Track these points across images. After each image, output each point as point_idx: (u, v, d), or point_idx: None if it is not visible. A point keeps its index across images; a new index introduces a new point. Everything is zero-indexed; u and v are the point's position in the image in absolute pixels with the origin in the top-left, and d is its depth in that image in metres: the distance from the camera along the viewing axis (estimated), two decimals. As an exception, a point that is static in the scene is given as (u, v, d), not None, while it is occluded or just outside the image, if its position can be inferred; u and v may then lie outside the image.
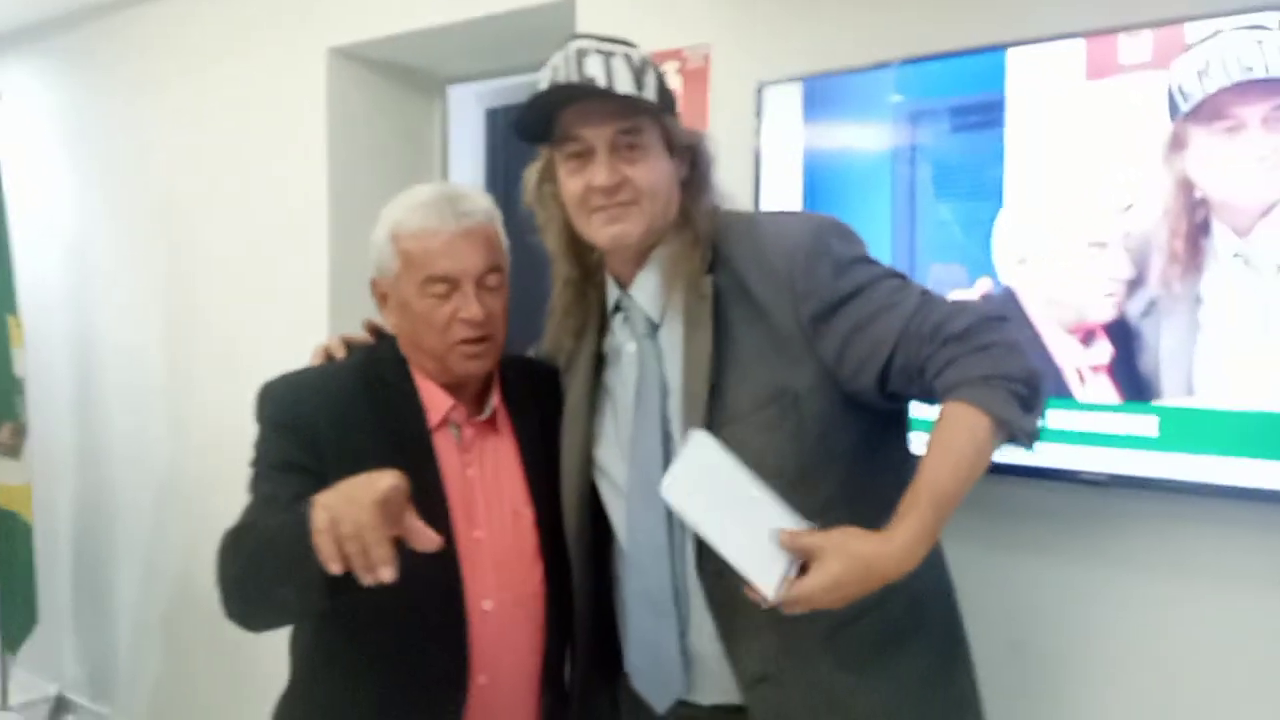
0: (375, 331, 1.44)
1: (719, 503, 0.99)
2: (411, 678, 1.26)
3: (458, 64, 2.79)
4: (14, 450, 3.18)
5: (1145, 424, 1.52)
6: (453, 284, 1.28)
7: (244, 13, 2.87)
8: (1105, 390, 1.54)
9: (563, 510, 1.33)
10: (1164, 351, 1.49)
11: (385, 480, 0.99)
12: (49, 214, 3.50)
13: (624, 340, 1.27)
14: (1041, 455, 1.56)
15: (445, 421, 1.35)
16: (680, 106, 2.07)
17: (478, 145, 2.99)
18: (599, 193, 1.16)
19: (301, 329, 2.69)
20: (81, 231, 3.42)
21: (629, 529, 1.25)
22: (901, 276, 1.18)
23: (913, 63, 1.74)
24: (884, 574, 0.93)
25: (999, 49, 1.65)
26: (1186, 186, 1.47)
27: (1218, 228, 1.45)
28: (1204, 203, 1.45)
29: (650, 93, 1.16)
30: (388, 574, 0.96)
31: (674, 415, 1.19)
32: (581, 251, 1.26)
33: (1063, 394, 1.58)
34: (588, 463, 1.31)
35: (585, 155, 1.17)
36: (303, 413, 1.28)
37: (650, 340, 1.23)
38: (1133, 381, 1.52)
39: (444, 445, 1.34)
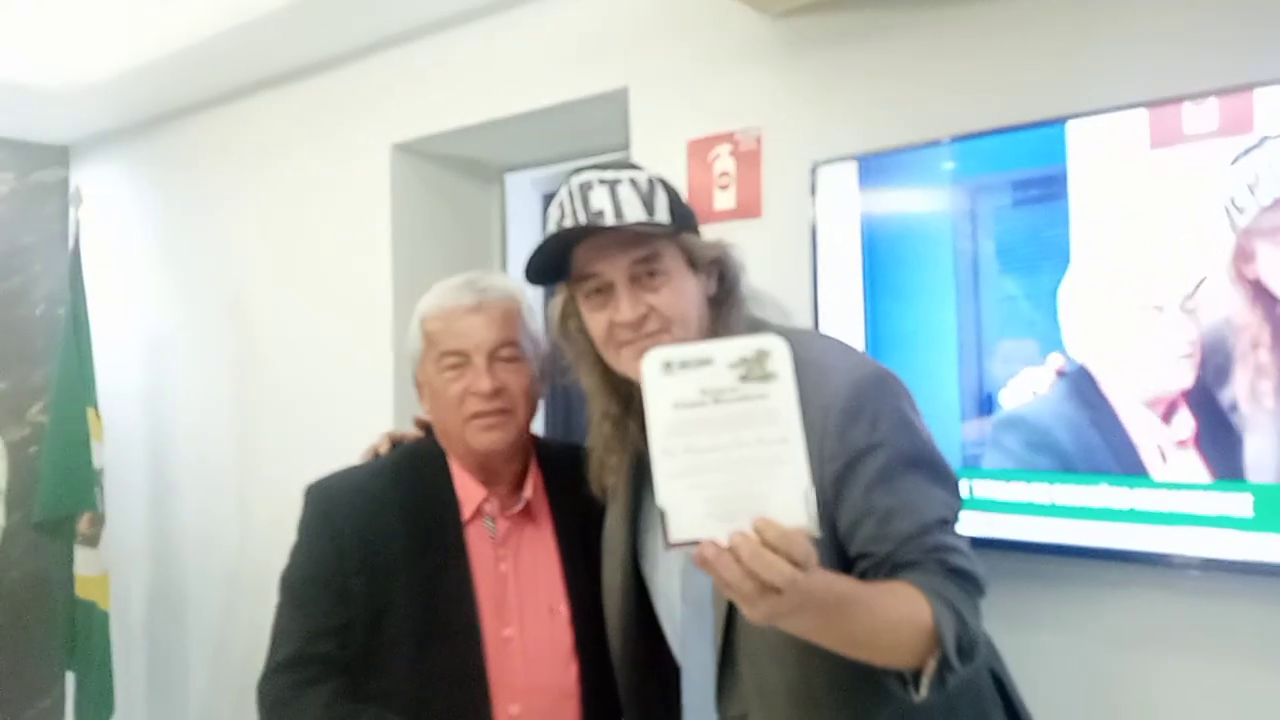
0: (424, 426, 1.45)
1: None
2: None
3: (515, 153, 2.83)
4: (92, 540, 3.24)
5: (1239, 503, 1.45)
6: (464, 358, 1.28)
7: (312, 113, 2.97)
8: (1193, 467, 1.49)
9: (607, 633, 1.28)
10: (1250, 436, 1.44)
11: None
12: (128, 310, 3.62)
13: None
14: (1127, 538, 1.54)
15: (479, 514, 1.34)
16: (734, 188, 2.13)
17: (535, 228, 3.01)
18: (624, 328, 1.12)
19: (367, 415, 2.72)
20: (158, 327, 3.52)
21: (685, 666, 1.20)
22: (938, 464, 1.08)
23: (971, 138, 1.72)
24: (776, 596, 0.82)
25: (1059, 122, 1.63)
26: (1263, 294, 1.42)
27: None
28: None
29: (662, 214, 1.13)
30: None
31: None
32: (618, 383, 1.21)
33: (1140, 471, 1.52)
34: (633, 581, 1.26)
35: (605, 290, 1.14)
36: (334, 518, 1.30)
37: None
38: (1223, 458, 1.46)
39: (477, 539, 1.33)
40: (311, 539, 1.31)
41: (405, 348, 1.38)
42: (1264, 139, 1.44)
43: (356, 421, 2.74)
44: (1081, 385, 1.59)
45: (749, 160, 2.07)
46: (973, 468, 1.69)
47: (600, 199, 1.12)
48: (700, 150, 2.15)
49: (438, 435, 1.37)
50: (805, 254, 1.92)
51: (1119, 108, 1.58)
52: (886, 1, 1.90)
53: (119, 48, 2.76)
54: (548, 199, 3.02)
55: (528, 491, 1.36)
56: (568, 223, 1.12)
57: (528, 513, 1.36)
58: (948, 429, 1.70)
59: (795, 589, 0.80)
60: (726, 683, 1.12)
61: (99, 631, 3.23)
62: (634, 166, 1.17)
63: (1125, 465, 1.54)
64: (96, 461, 3.22)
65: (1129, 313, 1.56)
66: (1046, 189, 1.64)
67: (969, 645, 0.96)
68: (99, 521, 3.23)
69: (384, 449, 1.43)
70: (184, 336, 3.40)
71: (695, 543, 0.81)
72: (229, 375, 3.22)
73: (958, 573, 1.01)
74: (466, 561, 1.31)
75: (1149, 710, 1.60)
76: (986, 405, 1.69)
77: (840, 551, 1.05)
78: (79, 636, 3.20)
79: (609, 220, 1.10)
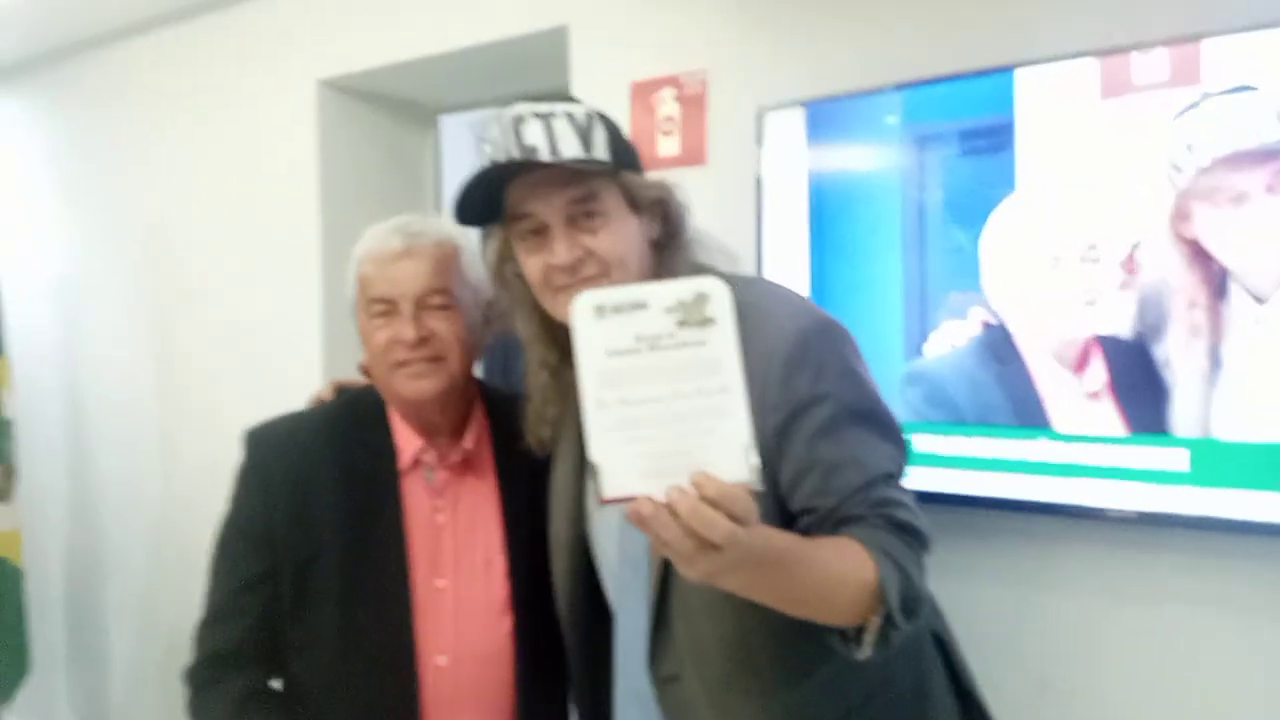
0: (368, 373, 1.42)
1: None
2: None
3: (449, 94, 2.77)
4: (4, 494, 3.12)
5: (1172, 458, 1.48)
6: (391, 305, 1.27)
7: (232, 46, 2.84)
8: (1107, 420, 1.51)
9: (554, 589, 1.28)
10: (1180, 392, 1.47)
11: None
12: (35, 251, 3.46)
13: None
14: (1035, 489, 1.58)
15: (418, 464, 1.33)
16: (679, 134, 2.10)
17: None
18: (561, 271, 1.09)
19: (296, 362, 2.65)
20: (70, 269, 3.37)
21: (618, 626, 1.19)
22: (883, 417, 1.07)
23: (919, 85, 1.71)
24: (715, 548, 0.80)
25: (1007, 70, 1.61)
26: (1200, 255, 1.44)
27: (1235, 293, 1.41)
28: (1220, 270, 1.42)
29: (601, 150, 1.09)
30: None
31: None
32: (557, 332, 1.17)
33: (1042, 424, 1.56)
34: (579, 536, 1.25)
35: (540, 232, 1.10)
36: (266, 466, 1.31)
37: None
38: (1143, 412, 1.49)
39: (413, 489, 1.32)
40: (244, 487, 1.32)
41: (346, 291, 1.37)
42: (1205, 96, 1.43)
43: (285, 368, 2.68)
44: (995, 340, 1.62)
45: (694, 104, 2.05)
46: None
47: (534, 134, 1.08)
48: (644, 93, 2.12)
49: (375, 382, 1.36)
50: (750, 204, 1.90)
51: (1069, 56, 1.57)
52: (837, -59, 1.88)
53: (20, -29, 2.62)
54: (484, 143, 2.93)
55: (468, 442, 1.35)
56: (499, 158, 1.09)
57: (468, 463, 1.35)
58: (892, 385, 1.71)
59: (735, 546, 0.78)
60: (660, 641, 1.11)
61: (11, 590, 3.11)
62: (572, 100, 1.13)
63: (1027, 418, 1.59)
64: (7, 412, 3.09)
65: (1053, 264, 1.57)
66: (994, 139, 1.63)
67: (913, 602, 0.96)
68: (10, 474, 3.12)
69: (328, 396, 1.42)
70: (99, 279, 3.26)
71: (630, 499, 0.79)
72: (148, 319, 3.11)
73: (903, 527, 1.00)
74: (399, 510, 1.30)
75: (1092, 664, 1.63)
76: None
77: (781, 507, 1.04)
78: (-10, 595, 3.11)
79: (543, 156, 1.07)
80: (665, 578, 1.10)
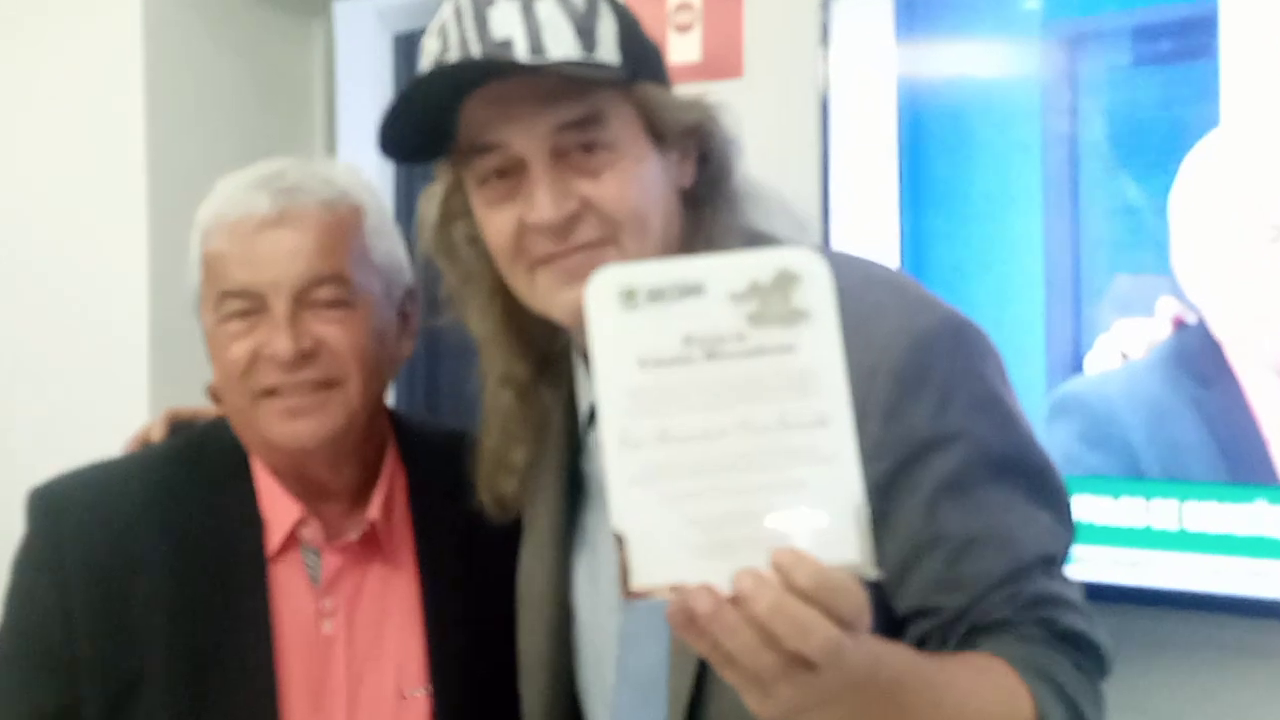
0: (219, 401, 1.44)
1: None
2: None
3: None
4: None
5: None
6: (255, 302, 1.27)
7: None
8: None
9: (522, 707, 1.28)
10: None
11: None
12: None
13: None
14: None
15: (293, 543, 1.34)
16: (700, 31, 2.12)
17: (382, 90, 2.93)
18: (543, 233, 1.08)
19: (108, 385, 2.63)
20: None
21: None
22: (1040, 470, 1.08)
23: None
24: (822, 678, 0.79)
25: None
26: None
27: None
28: None
29: (608, 49, 1.08)
30: None
31: None
32: (531, 330, 1.19)
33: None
34: (562, 654, 1.26)
35: (511, 173, 1.09)
36: (61, 548, 1.30)
37: None
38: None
39: (287, 584, 1.33)
40: (28, 578, 1.33)
41: (184, 277, 1.36)
42: None
43: (97, 389, 2.65)
44: (1193, 348, 1.61)
45: None
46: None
47: (507, 20, 1.06)
48: None
49: (229, 416, 1.37)
50: (810, 137, 1.89)
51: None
52: None
53: None
54: (403, 44, 2.92)
55: (374, 508, 1.35)
56: (452, 56, 1.07)
57: (373, 541, 1.36)
58: (1030, 416, 1.68)
59: (837, 664, 0.76)
60: None
61: None
62: None
63: (1242, 470, 1.60)
64: None
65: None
66: (1187, 39, 1.64)
67: None
68: None
69: (157, 435, 1.43)
70: None
71: (675, 589, 0.77)
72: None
73: (1070, 639, 1.00)
74: (265, 616, 1.30)
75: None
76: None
77: (881, 603, 1.01)
78: None
79: (520, 55, 1.05)
80: (692, 711, 1.09)
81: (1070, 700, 0.95)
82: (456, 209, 1.17)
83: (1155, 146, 1.67)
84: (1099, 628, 1.02)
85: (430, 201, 1.19)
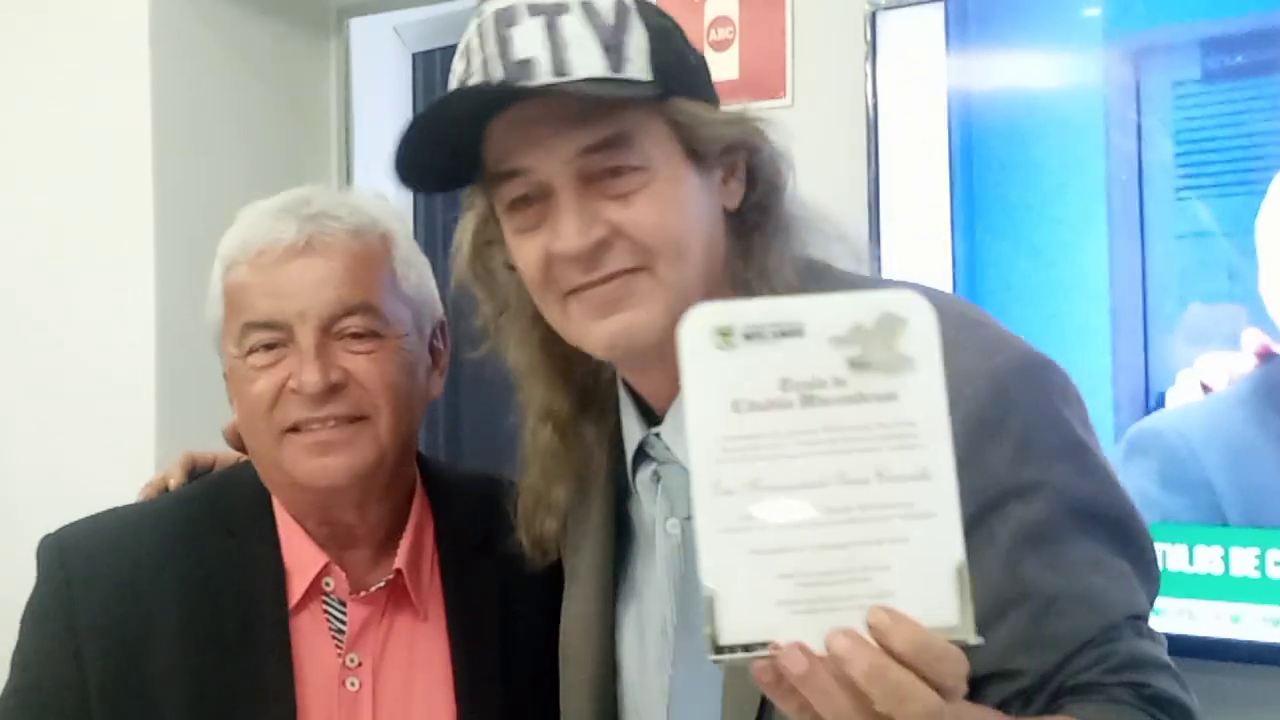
0: (238, 444, 1.42)
1: None
2: None
3: None
4: None
5: None
6: (282, 333, 1.27)
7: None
8: None
9: None
10: None
11: None
12: None
13: (659, 512, 1.21)
14: None
15: (315, 593, 1.32)
16: (738, 47, 2.16)
17: (399, 108, 2.95)
18: (571, 264, 1.07)
19: (117, 425, 2.61)
20: None
21: None
22: (1126, 521, 1.07)
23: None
24: None
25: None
26: None
27: None
28: None
29: (638, 64, 1.06)
30: None
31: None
32: (571, 361, 1.18)
33: None
34: (607, 698, 1.25)
35: (538, 199, 1.07)
36: (74, 600, 1.29)
37: None
38: None
39: (310, 636, 1.32)
40: (38, 638, 1.31)
41: (206, 311, 1.34)
42: None
43: (102, 428, 2.64)
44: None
45: (766, 1, 2.05)
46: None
47: (530, 39, 1.05)
48: None
49: (254, 460, 1.35)
50: (856, 157, 1.90)
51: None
52: None
53: None
54: (423, 61, 2.97)
55: (400, 556, 1.33)
56: (474, 79, 1.07)
57: (400, 591, 1.34)
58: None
59: None
60: None
61: None
62: None
63: None
64: None
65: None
66: (1262, 51, 1.63)
67: None
68: None
69: (175, 481, 1.41)
70: None
71: (765, 648, 0.76)
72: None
73: (1160, 704, 0.99)
74: (290, 679, 1.28)
75: None
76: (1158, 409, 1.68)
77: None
78: None
79: (542, 76, 1.04)
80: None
81: None
82: (492, 235, 1.16)
83: (1232, 165, 1.66)
84: (1188, 689, 1.01)
85: (465, 228, 1.19)
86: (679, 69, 1.09)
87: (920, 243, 1.84)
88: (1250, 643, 1.60)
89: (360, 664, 1.31)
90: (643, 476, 1.21)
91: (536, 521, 1.25)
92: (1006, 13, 1.80)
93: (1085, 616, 0.99)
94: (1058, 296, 1.76)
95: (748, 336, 0.79)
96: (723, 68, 2.07)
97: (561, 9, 1.06)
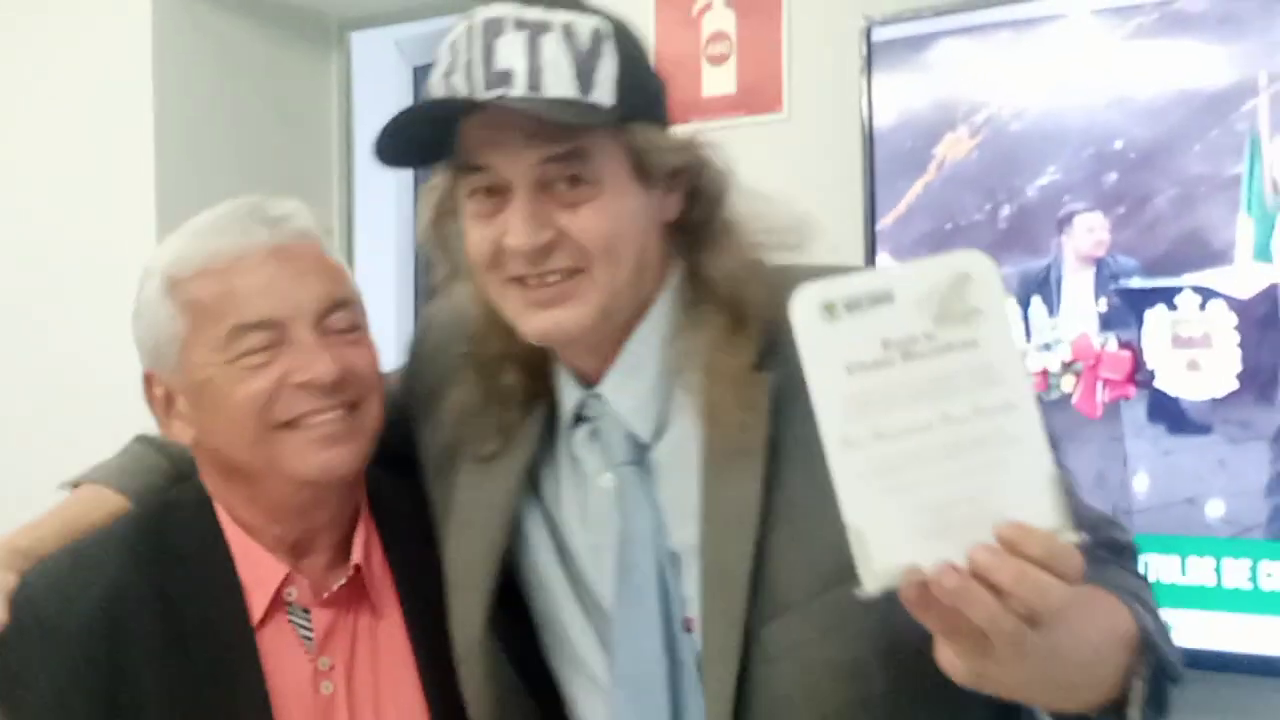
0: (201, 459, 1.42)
1: None
2: None
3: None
4: None
5: None
6: (277, 331, 1.27)
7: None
8: None
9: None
10: None
11: None
12: None
13: (594, 467, 1.28)
14: None
15: (279, 604, 1.32)
16: (735, 62, 2.13)
17: None
18: (518, 257, 1.16)
19: (112, 429, 2.61)
20: None
21: None
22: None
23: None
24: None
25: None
26: None
27: None
28: None
29: (604, 89, 1.15)
30: None
31: (687, 594, 1.22)
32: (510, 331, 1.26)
33: None
34: (503, 631, 1.30)
35: (498, 192, 1.17)
36: (28, 665, 1.26)
37: (638, 471, 1.25)
38: None
39: (279, 648, 1.31)
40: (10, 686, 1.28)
41: (137, 335, 1.34)
42: None
43: (99, 436, 2.55)
44: None
45: (760, 13, 2.08)
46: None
47: (511, 52, 1.14)
48: None
49: (204, 474, 1.36)
50: (852, 170, 1.91)
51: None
52: None
53: None
54: (426, 72, 2.96)
55: (357, 552, 1.35)
56: (457, 80, 1.15)
57: (358, 589, 1.35)
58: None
59: (1060, 619, 0.87)
60: None
61: None
62: (576, 6, 1.18)
63: None
64: None
65: None
66: None
67: (1172, 644, 1.08)
68: None
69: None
70: None
71: (914, 571, 0.86)
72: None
73: (1125, 552, 1.15)
74: (263, 693, 1.29)
75: None
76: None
77: None
78: None
79: (518, 89, 1.13)
80: (741, 695, 1.15)
81: (1149, 605, 1.08)
82: (450, 208, 1.24)
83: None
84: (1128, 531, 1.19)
85: (429, 197, 1.27)
86: (640, 95, 1.18)
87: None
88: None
89: (332, 667, 1.32)
90: (580, 436, 1.28)
91: (458, 442, 1.32)
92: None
93: None
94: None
95: (849, 307, 0.88)
96: (720, 82, 2.08)
97: (545, 28, 1.14)
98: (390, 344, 1.42)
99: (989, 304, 0.88)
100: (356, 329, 1.32)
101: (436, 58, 1.20)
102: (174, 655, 1.28)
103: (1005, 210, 1.87)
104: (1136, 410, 1.77)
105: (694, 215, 1.23)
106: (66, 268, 2.84)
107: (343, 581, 1.33)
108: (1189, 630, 1.69)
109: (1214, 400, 1.71)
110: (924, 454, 0.88)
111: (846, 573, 0.99)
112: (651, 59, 1.22)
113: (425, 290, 1.36)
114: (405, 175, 3.06)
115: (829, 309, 0.89)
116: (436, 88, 1.18)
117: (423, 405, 1.41)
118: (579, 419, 1.28)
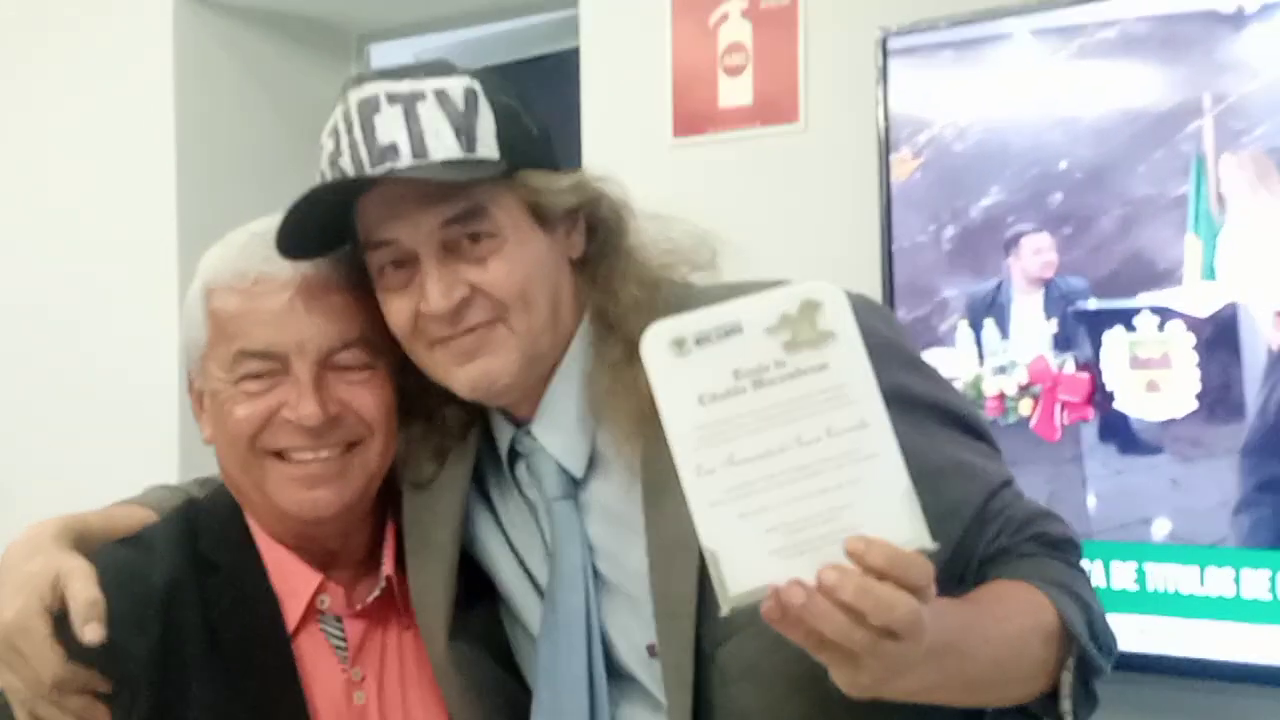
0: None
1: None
2: None
3: (381, 11, 2.81)
4: None
5: None
6: (276, 363, 1.27)
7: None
8: None
9: None
10: None
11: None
12: None
13: (539, 498, 1.30)
14: None
15: (312, 614, 1.32)
16: (752, 72, 2.12)
17: None
18: (437, 321, 1.20)
19: (139, 437, 2.65)
20: None
21: None
22: (969, 412, 1.28)
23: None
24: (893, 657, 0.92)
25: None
26: None
27: None
28: None
29: (487, 143, 1.20)
30: None
31: (615, 622, 1.26)
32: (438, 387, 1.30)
33: None
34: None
35: (406, 264, 1.20)
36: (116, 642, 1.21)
37: (570, 505, 1.27)
38: None
39: (313, 658, 1.32)
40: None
41: (181, 328, 1.36)
42: None
43: (126, 446, 2.67)
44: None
45: (777, 24, 2.07)
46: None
47: (391, 126, 1.17)
48: (694, 7, 2.12)
49: (228, 481, 1.35)
50: (868, 181, 1.89)
51: None
52: None
53: None
54: None
55: (388, 564, 1.35)
56: (344, 162, 1.18)
57: (389, 600, 1.35)
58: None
59: (919, 630, 0.88)
60: None
61: None
62: (443, 70, 1.22)
63: None
64: None
65: None
66: None
67: (1106, 635, 1.12)
68: None
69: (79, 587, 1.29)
70: None
71: (764, 591, 0.88)
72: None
73: (1058, 545, 1.17)
74: (301, 698, 1.28)
75: None
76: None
77: None
78: None
79: (404, 160, 1.17)
80: (699, 689, 1.17)
81: (1077, 595, 1.11)
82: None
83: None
84: (1068, 525, 1.20)
85: None
86: (524, 144, 1.22)
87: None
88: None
89: (364, 677, 1.32)
90: (520, 471, 1.31)
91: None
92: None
93: (971, 483, 1.16)
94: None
95: (698, 342, 0.91)
96: (736, 93, 2.07)
97: (418, 97, 1.18)
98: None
99: (840, 327, 0.91)
100: (367, 368, 1.30)
101: (321, 144, 1.23)
102: (215, 660, 1.28)
103: (949, 231, 1.86)
104: (1095, 432, 1.77)
105: (594, 247, 1.27)
106: (88, 276, 2.84)
107: (376, 593, 1.33)
108: (1202, 638, 1.69)
109: (1173, 420, 1.70)
110: (778, 476, 0.90)
111: None
112: (526, 105, 1.24)
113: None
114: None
115: (678, 344, 0.92)
116: (326, 173, 1.20)
117: None
118: (514, 453, 1.31)
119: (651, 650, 1.21)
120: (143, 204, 2.74)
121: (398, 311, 1.22)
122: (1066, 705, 1.09)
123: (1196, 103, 1.69)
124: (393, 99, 1.18)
